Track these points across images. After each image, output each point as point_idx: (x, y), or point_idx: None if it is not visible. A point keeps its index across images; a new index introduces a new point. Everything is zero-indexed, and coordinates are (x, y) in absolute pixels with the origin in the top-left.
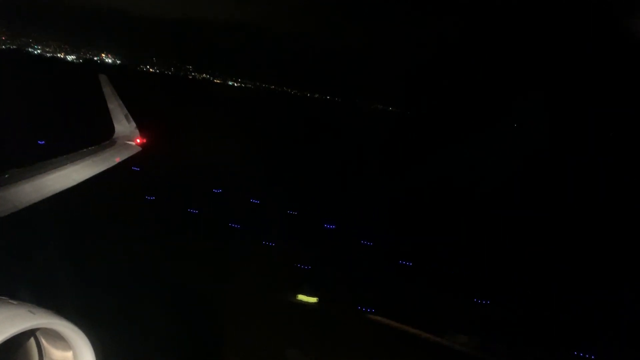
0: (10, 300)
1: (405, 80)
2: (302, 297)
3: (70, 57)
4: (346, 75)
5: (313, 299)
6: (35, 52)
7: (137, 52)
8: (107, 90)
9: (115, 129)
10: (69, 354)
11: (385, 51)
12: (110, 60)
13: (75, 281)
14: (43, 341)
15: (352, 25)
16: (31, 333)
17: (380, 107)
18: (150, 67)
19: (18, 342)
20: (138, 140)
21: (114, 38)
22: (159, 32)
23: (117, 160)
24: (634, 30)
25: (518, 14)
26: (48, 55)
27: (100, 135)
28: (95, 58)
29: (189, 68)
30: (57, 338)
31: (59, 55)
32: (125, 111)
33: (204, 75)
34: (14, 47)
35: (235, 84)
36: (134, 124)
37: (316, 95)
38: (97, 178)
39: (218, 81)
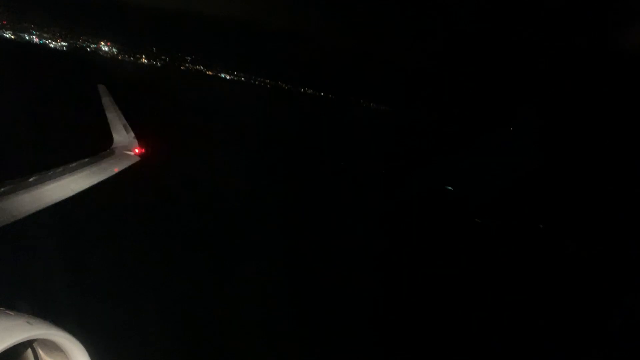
0: (7, 311)
1: (399, 79)
2: None
3: (62, 44)
4: (340, 72)
5: None
6: (28, 37)
7: (133, 42)
8: (106, 100)
9: (114, 139)
10: None
11: (380, 50)
12: (107, 49)
13: (73, 292)
14: (40, 352)
15: (348, 22)
16: (28, 344)
17: (373, 105)
18: (145, 57)
19: (15, 353)
20: (137, 150)
21: (111, 27)
22: (156, 22)
23: (116, 170)
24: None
25: (517, 13)
26: (40, 41)
27: (98, 144)
28: (93, 46)
29: (187, 59)
30: (55, 349)
31: (53, 43)
32: (124, 121)
33: (198, 66)
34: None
35: (228, 77)
36: (132, 134)
37: (310, 92)
38: (95, 188)
39: (210, 73)
